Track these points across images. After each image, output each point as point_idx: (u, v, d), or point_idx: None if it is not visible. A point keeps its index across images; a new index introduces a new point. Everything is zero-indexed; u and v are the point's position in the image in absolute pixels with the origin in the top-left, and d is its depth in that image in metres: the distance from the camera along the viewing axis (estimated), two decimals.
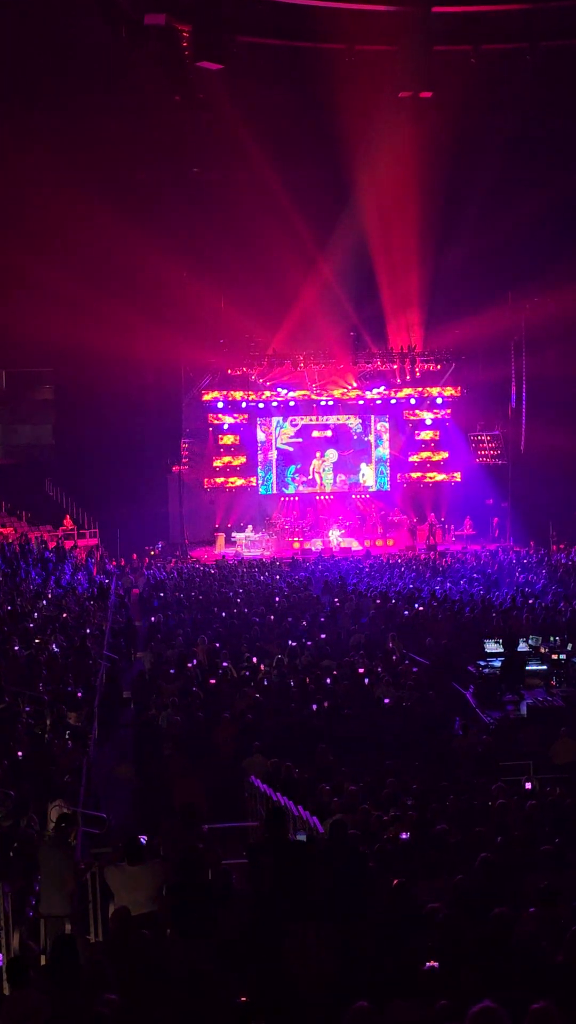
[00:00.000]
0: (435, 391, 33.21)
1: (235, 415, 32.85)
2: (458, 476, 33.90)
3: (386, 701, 12.40)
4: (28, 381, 31.75)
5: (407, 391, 33.17)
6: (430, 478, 34.10)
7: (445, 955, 4.89)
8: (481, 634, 15.50)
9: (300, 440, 33.09)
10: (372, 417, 33.75)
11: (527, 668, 13.76)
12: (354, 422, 33.48)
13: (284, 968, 4.90)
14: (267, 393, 32.55)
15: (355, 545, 30.58)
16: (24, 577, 20.62)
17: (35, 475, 30.23)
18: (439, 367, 32.37)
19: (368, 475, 33.72)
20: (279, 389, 32.32)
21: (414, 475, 34.05)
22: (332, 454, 33.50)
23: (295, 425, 32.99)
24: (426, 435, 34.09)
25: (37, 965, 5.83)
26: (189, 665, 14.16)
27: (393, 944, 5.16)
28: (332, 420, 33.33)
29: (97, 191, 22.44)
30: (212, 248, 26.92)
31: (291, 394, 32.47)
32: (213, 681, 13.33)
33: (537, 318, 28.98)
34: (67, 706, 11.81)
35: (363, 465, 33.75)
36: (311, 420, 32.84)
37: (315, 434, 33.12)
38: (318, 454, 33.28)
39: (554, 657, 14.00)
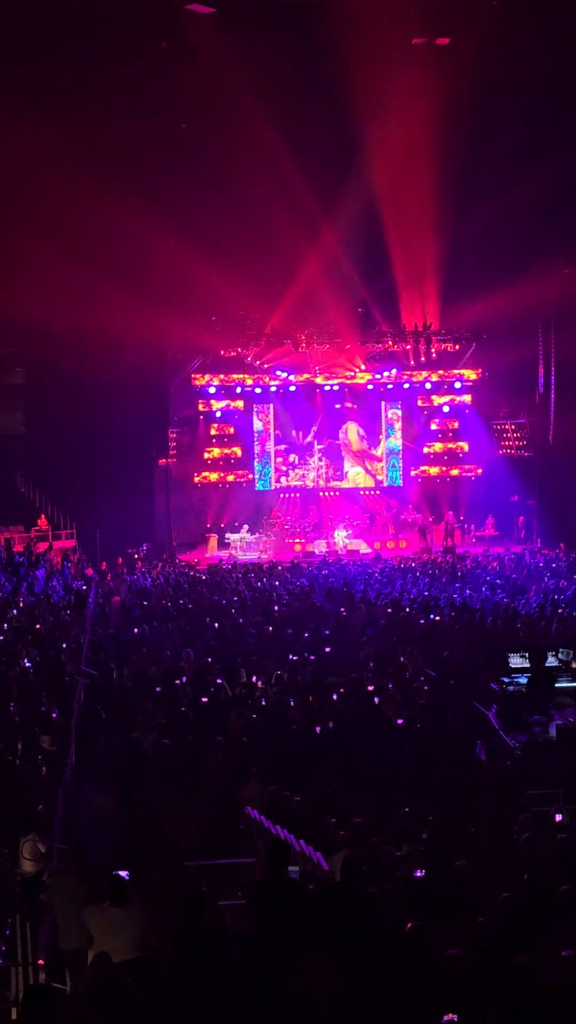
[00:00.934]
0: (453, 374, 33.24)
1: (229, 401, 32.91)
2: (479, 470, 34.04)
3: (398, 722, 12.43)
4: None
5: (422, 374, 33.26)
6: (447, 472, 34.15)
7: (464, 1007, 4.91)
8: (505, 647, 15.55)
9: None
10: (383, 404, 33.89)
11: (556, 685, 13.77)
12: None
13: (287, 1008, 4.90)
14: (265, 377, 32.59)
15: (364, 547, 30.77)
16: None
17: (4, 469, 30.24)
18: (458, 347, 32.53)
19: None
20: (278, 372, 32.44)
21: (430, 469, 34.14)
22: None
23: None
24: (443, 424, 34.16)
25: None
26: (177, 682, 14.23)
27: (406, 994, 5.16)
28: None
29: (73, 149, 22.33)
30: (203, 214, 26.93)
31: (292, 378, 32.54)
32: (204, 700, 13.39)
33: (569, 292, 28.97)
34: (40, 728, 11.79)
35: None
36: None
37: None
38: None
39: None
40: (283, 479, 33.75)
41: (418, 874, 7.81)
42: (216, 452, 33.51)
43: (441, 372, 33.33)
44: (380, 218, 28.14)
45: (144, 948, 6.30)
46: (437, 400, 34.03)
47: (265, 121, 23.82)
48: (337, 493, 33.93)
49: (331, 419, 33.59)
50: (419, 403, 34.17)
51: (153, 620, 18.81)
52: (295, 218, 26.69)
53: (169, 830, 9.07)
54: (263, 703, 13.48)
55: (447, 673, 15.16)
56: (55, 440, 29.08)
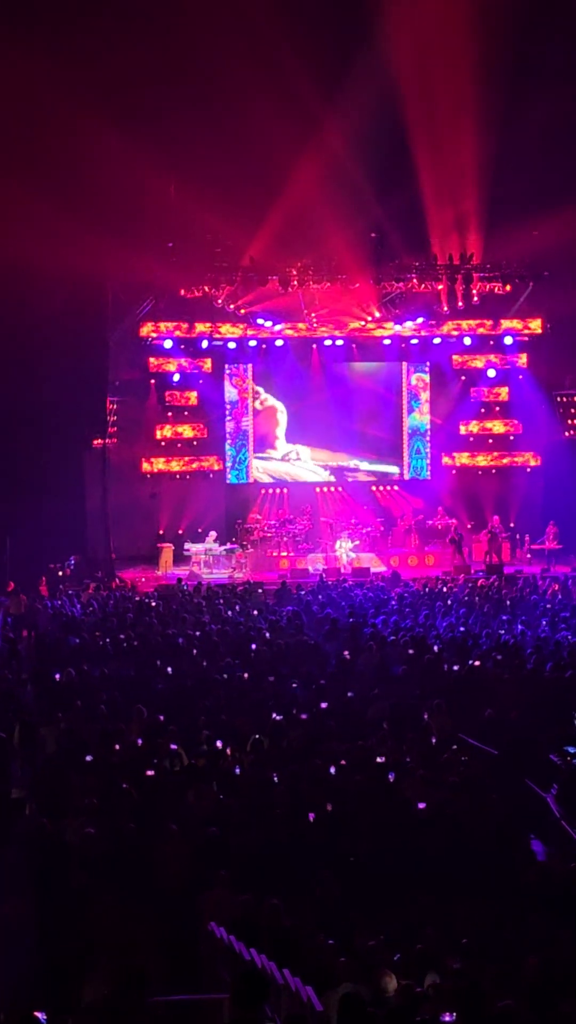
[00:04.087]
0: (503, 326, 33.08)
1: (191, 360, 32.76)
2: (536, 458, 34.15)
3: (420, 807, 12.34)
4: None
5: (459, 325, 33.06)
6: (493, 461, 34.12)
7: None
8: (571, 705, 15.57)
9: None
10: (404, 365, 33.69)
11: None
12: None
13: None
14: (241, 327, 32.41)
15: (376, 564, 30.65)
16: None
17: None
18: (508, 289, 32.18)
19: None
20: (260, 321, 32.26)
21: (468, 457, 34.13)
22: None
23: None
24: (488, 395, 34.07)
25: None
26: (117, 748, 14.15)
27: None
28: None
29: None
30: (158, 99, 26.81)
31: (279, 328, 32.33)
32: (151, 773, 13.33)
33: None
34: None
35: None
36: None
37: None
38: None
39: None
40: (265, 468, 33.70)
41: (447, 1019, 7.76)
42: (172, 430, 33.42)
43: (486, 323, 33.16)
44: (402, 109, 27.59)
45: None
46: (479, 361, 33.91)
47: None
48: (340, 489, 34.00)
49: (332, 386, 33.73)
50: (454, 365, 34.09)
51: (83, 662, 18.69)
52: (285, 107, 26.04)
53: (106, 952, 9.12)
54: (236, 775, 13.39)
55: (489, 739, 15.06)
56: None
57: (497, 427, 34.57)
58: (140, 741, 14.64)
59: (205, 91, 26.81)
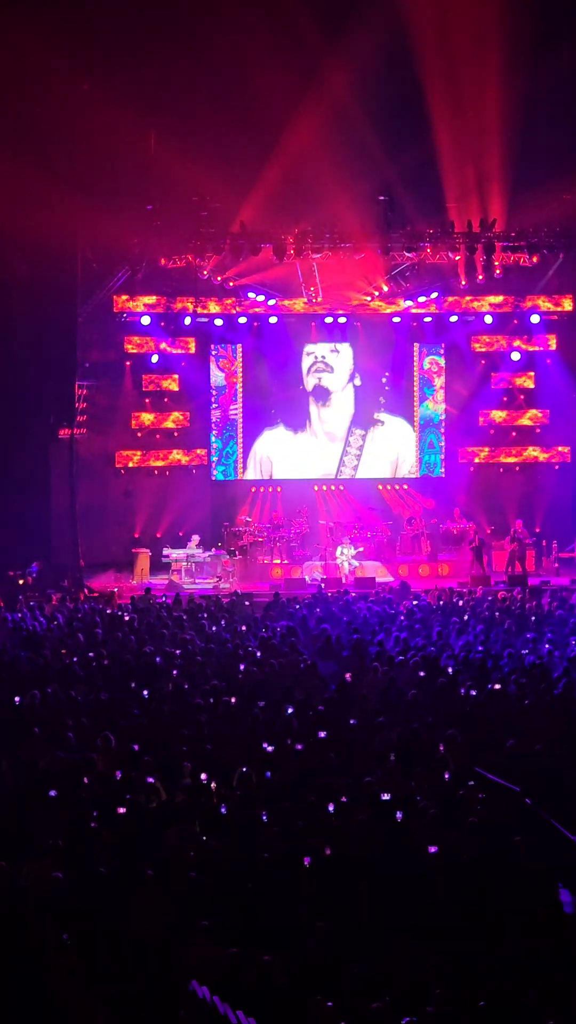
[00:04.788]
0: (529, 302, 33.31)
1: (172, 339, 32.99)
2: (566, 454, 34.48)
3: (432, 851, 12.22)
4: None
5: (479, 302, 33.44)
6: (517, 457, 34.41)
7: None
8: None
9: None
10: (416, 347, 33.96)
11: None
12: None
13: None
14: (229, 300, 32.73)
15: (383, 573, 30.69)
16: None
17: None
18: (535, 260, 32.07)
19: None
20: (251, 295, 32.39)
21: (489, 452, 34.65)
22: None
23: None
24: (512, 381, 34.38)
25: None
26: (85, 781, 14.11)
27: None
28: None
29: None
30: (136, 38, 26.84)
31: (272, 303, 32.57)
32: (123, 811, 13.30)
33: None
34: None
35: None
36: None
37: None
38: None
39: None
40: (256, 464, 33.98)
41: None
42: (150, 419, 33.55)
43: (509, 299, 33.31)
44: (415, 53, 27.73)
45: None
46: (501, 343, 34.01)
47: None
48: (342, 487, 34.17)
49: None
50: (474, 346, 34.21)
51: (47, 684, 18.63)
52: (281, 45, 26.39)
53: (71, 1017, 9.16)
54: (219, 816, 13.29)
55: (511, 774, 14.98)
56: None
57: (521, 418, 34.64)
58: (114, 774, 14.46)
59: (190, 28, 26.69)
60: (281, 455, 34.62)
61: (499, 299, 33.71)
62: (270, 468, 34.48)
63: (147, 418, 33.71)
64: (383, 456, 34.95)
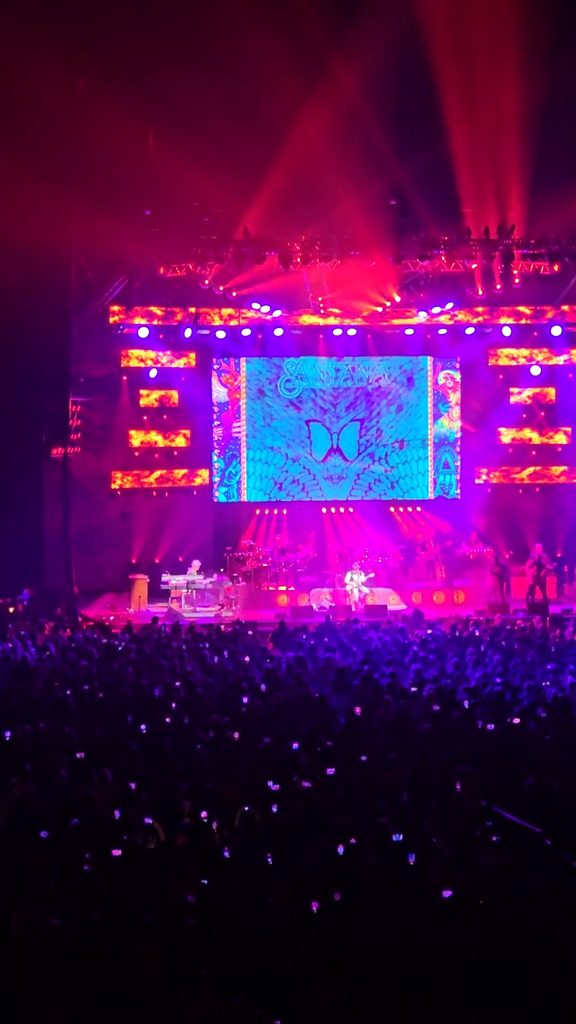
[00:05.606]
0: (549, 315, 33.38)
1: (172, 353, 33.11)
2: None
3: (446, 895, 12.05)
4: None
5: (496, 313, 33.58)
6: (537, 477, 34.77)
7: None
8: None
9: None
10: (430, 361, 34.13)
11: None
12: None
13: None
14: (230, 311, 32.80)
15: (394, 600, 30.97)
16: None
17: None
18: (556, 268, 31.86)
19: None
20: (256, 306, 32.35)
21: (505, 473, 34.95)
22: None
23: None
24: (532, 397, 34.56)
25: None
26: (75, 822, 14.11)
27: None
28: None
29: None
30: (134, 34, 26.91)
31: (278, 315, 32.61)
32: (119, 853, 13.19)
33: None
34: None
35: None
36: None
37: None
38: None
39: None
40: (261, 485, 33.96)
41: None
42: (149, 437, 33.60)
43: (529, 310, 33.43)
44: (428, 53, 27.87)
45: None
46: (521, 356, 34.20)
47: None
48: (352, 510, 34.34)
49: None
50: (491, 360, 34.47)
51: (39, 718, 18.72)
52: (287, 42, 26.55)
53: None
54: (221, 859, 13.15)
55: (531, 813, 14.93)
56: None
57: (541, 436, 34.93)
58: (110, 813, 14.56)
59: (191, 23, 27.14)
60: (287, 475, 34.89)
61: (519, 310, 33.90)
62: (275, 489, 34.71)
63: (145, 436, 33.85)
64: (395, 477, 35.17)
